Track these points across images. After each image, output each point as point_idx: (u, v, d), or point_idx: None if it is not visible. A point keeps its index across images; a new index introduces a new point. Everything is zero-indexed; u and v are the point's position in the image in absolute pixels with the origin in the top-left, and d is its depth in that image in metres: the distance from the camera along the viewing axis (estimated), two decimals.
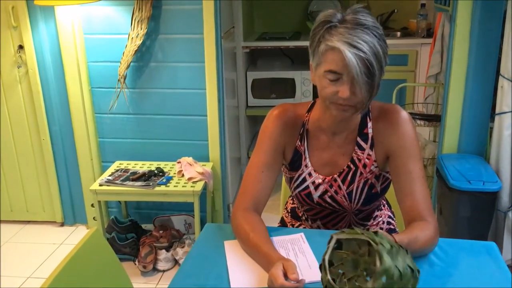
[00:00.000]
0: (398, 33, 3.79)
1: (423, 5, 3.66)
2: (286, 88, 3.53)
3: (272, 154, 1.36)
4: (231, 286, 1.11)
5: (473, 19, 2.27)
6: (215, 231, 1.40)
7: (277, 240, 1.29)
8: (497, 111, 2.28)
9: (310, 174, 1.39)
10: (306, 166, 1.39)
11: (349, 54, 1.12)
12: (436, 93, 3.22)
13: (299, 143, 1.39)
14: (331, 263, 0.98)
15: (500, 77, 2.25)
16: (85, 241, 1.24)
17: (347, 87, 1.17)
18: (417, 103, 3.38)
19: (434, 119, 2.86)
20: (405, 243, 1.07)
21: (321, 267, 0.98)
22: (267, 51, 3.76)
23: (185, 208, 2.81)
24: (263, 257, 1.15)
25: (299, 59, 3.78)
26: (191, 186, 2.45)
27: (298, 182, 1.41)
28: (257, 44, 3.59)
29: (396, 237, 1.07)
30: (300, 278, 1.06)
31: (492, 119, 2.36)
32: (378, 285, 0.87)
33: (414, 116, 2.90)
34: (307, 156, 1.39)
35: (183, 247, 2.56)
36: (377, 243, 0.90)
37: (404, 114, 1.31)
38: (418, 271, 0.94)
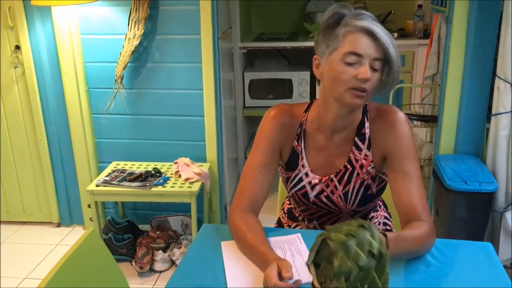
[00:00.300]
0: (395, 34, 3.79)
1: (420, 6, 3.68)
2: (284, 89, 3.54)
3: (269, 154, 1.36)
4: (228, 286, 1.12)
5: (469, 20, 2.28)
6: (212, 231, 1.40)
7: (274, 240, 1.29)
8: (493, 112, 2.28)
9: (306, 174, 1.39)
10: (303, 166, 1.39)
11: (382, 33, 1.18)
12: (433, 94, 3.23)
13: (296, 143, 1.39)
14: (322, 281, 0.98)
15: (496, 78, 2.25)
16: (81, 242, 1.24)
17: (367, 68, 1.19)
18: (414, 104, 3.39)
19: (431, 120, 2.87)
20: (393, 238, 1.07)
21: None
22: (265, 52, 3.76)
23: (182, 208, 2.81)
24: (260, 257, 1.15)
25: (296, 60, 3.79)
26: (188, 187, 2.45)
27: (294, 182, 1.41)
28: (255, 44, 3.59)
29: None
30: (297, 278, 1.06)
31: (488, 120, 2.37)
32: (340, 284, 0.89)
33: (411, 117, 2.90)
34: (304, 156, 1.39)
35: (180, 247, 2.56)
36: (332, 240, 0.92)
37: (401, 115, 1.31)
38: (383, 253, 0.92)
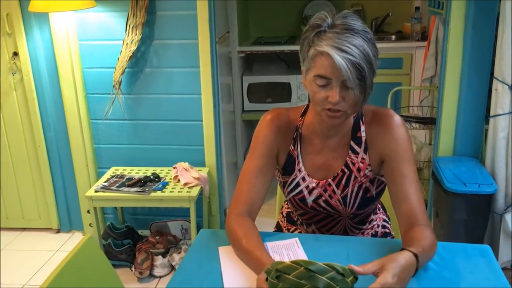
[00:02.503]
0: (393, 37, 3.80)
1: (417, 9, 3.67)
2: (282, 92, 3.54)
3: (265, 159, 1.36)
4: None
5: (466, 22, 2.28)
6: (210, 236, 1.40)
7: (272, 245, 1.28)
8: (491, 113, 2.28)
9: (303, 179, 1.39)
10: (299, 170, 1.39)
11: (339, 58, 1.13)
12: (431, 96, 3.23)
13: (292, 148, 1.39)
14: None
15: (494, 79, 2.25)
16: (78, 248, 1.23)
17: (337, 92, 1.17)
18: (412, 106, 3.39)
19: (430, 122, 2.86)
20: (420, 256, 1.08)
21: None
22: (263, 56, 3.76)
23: (182, 213, 2.80)
24: (256, 262, 1.15)
25: (295, 63, 3.76)
26: (187, 192, 2.45)
27: (291, 186, 1.41)
28: (253, 48, 3.59)
29: (413, 251, 1.08)
30: None
31: (487, 121, 2.36)
32: None
33: (410, 119, 2.90)
34: (301, 160, 1.39)
35: (179, 252, 2.55)
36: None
37: (397, 118, 1.31)
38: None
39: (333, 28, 1.18)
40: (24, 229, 3.05)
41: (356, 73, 1.14)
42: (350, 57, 1.13)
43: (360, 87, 1.17)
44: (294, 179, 1.40)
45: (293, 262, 0.98)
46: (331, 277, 0.95)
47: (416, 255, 1.06)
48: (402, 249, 1.09)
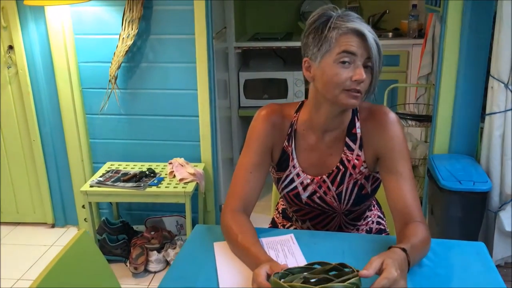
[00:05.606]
0: (390, 34, 3.81)
1: (414, 6, 3.68)
2: (279, 89, 3.54)
3: (260, 154, 1.36)
4: (220, 287, 1.11)
5: (463, 20, 2.28)
6: (205, 232, 1.40)
7: (267, 241, 1.28)
8: (487, 111, 2.29)
9: (298, 175, 1.39)
10: (293, 166, 1.39)
11: (370, 35, 1.19)
12: (428, 94, 3.23)
13: (286, 144, 1.39)
14: None
15: (490, 77, 2.26)
16: (73, 243, 1.23)
17: (362, 70, 1.20)
18: (409, 104, 3.40)
19: (426, 119, 2.87)
20: (409, 252, 1.08)
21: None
22: (260, 52, 3.76)
23: (177, 209, 2.80)
24: (252, 258, 1.15)
25: (291, 60, 3.79)
26: (183, 187, 2.44)
27: (286, 182, 1.41)
28: (249, 44, 3.59)
29: (401, 246, 1.08)
30: None
31: (482, 119, 2.37)
32: None
33: (406, 116, 2.90)
34: (295, 157, 1.39)
35: (174, 248, 2.55)
36: None
37: (393, 115, 1.31)
38: None
39: (344, 17, 1.22)
40: (18, 223, 3.04)
41: (378, 53, 1.20)
42: (374, 36, 1.20)
43: (379, 68, 1.22)
44: (288, 175, 1.40)
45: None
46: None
47: (404, 250, 1.07)
48: (390, 247, 1.09)
